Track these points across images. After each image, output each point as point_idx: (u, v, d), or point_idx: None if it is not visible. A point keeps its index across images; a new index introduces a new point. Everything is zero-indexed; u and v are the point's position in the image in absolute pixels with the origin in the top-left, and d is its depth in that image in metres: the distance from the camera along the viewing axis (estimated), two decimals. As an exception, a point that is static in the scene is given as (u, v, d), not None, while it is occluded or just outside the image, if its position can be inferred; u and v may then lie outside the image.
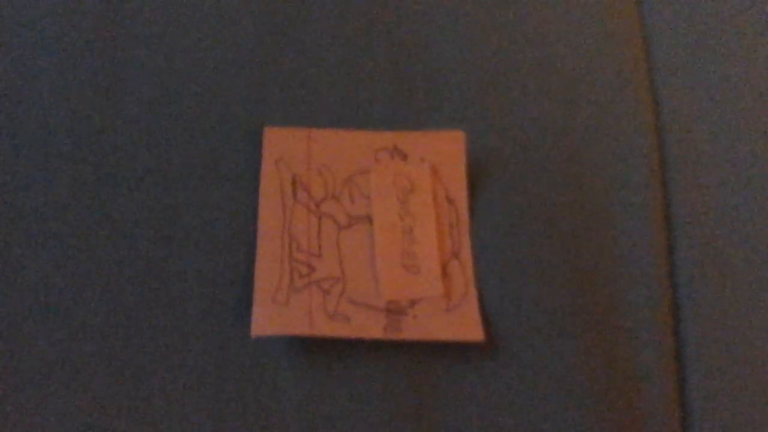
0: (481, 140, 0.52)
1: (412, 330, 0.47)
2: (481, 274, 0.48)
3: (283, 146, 0.51)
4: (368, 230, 0.49)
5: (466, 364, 0.47)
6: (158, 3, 0.54)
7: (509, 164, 0.51)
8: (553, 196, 0.51)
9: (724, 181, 0.53)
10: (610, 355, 0.48)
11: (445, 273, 0.48)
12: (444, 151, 0.51)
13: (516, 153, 0.52)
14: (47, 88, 0.52)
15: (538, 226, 0.50)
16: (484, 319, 0.47)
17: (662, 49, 0.56)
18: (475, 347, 0.47)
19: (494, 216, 0.50)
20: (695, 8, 0.57)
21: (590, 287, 0.49)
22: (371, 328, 0.46)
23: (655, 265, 0.50)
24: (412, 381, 0.47)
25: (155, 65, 0.53)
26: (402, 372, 0.47)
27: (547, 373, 0.47)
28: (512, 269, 0.49)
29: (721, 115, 0.54)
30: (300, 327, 0.46)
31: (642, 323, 0.49)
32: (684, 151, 0.53)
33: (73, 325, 0.47)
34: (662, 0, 0.58)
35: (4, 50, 0.53)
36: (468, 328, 0.47)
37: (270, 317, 0.46)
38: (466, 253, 0.49)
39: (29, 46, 0.53)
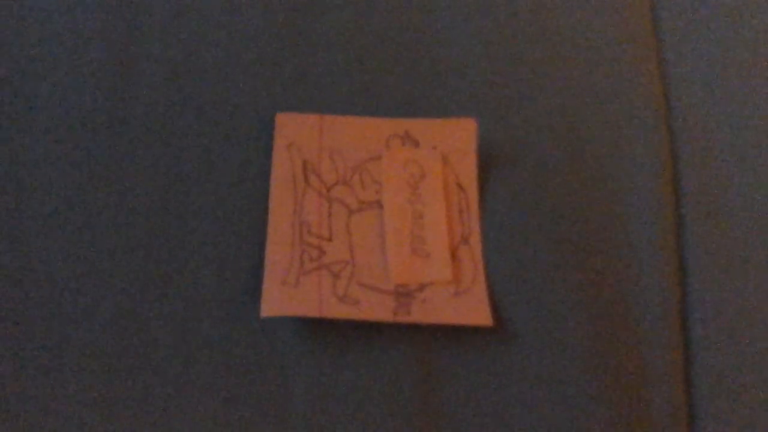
0: (492, 128, 0.52)
1: (421, 314, 0.47)
2: (490, 259, 0.49)
3: (294, 132, 0.51)
4: (378, 215, 0.49)
5: (474, 347, 0.47)
6: None
7: (520, 153, 0.51)
8: (563, 185, 0.51)
9: (737, 175, 0.52)
10: (618, 340, 0.48)
11: (454, 258, 0.48)
12: (455, 139, 0.51)
13: (527, 141, 0.52)
14: (59, 78, 0.52)
15: (548, 214, 0.50)
16: (492, 304, 0.47)
17: (674, 38, 0.56)
18: (483, 331, 0.47)
19: (504, 203, 0.50)
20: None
21: (600, 274, 0.49)
22: (380, 311, 0.47)
23: (665, 254, 0.50)
24: (420, 365, 0.47)
25: (168, 54, 0.53)
26: (410, 356, 0.47)
27: (556, 358, 0.47)
28: (522, 256, 0.49)
29: (733, 106, 0.54)
30: (309, 309, 0.46)
31: (651, 310, 0.49)
32: (696, 143, 0.53)
33: (84, 305, 0.47)
34: None
35: (19, 40, 0.54)
36: (477, 312, 0.47)
37: (280, 299, 0.47)
38: (476, 239, 0.49)
39: (42, 36, 0.53)
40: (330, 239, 0.49)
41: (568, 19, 0.55)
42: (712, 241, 0.51)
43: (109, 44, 0.53)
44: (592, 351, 0.47)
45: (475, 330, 0.47)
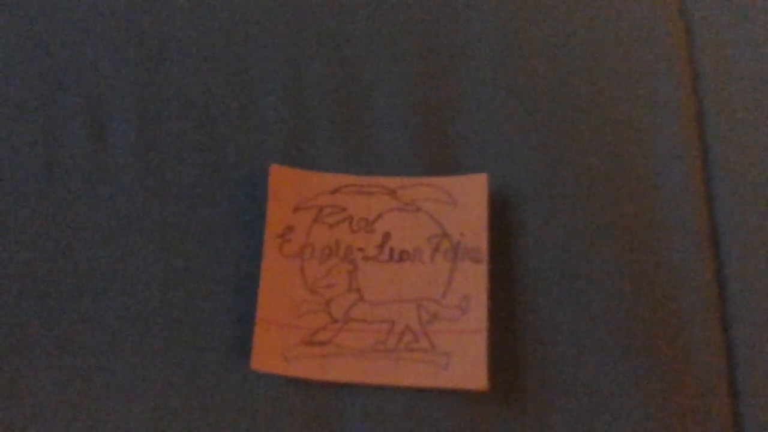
0: (503, 181, 0.50)
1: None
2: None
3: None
4: (384, 267, 0.47)
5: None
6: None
7: (531, 206, 0.49)
8: (580, 242, 0.48)
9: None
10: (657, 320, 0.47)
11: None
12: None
13: (540, 194, 0.50)
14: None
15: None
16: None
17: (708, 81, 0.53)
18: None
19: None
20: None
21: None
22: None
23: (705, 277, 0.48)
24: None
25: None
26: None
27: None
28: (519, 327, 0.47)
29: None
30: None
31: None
32: (727, 158, 0.51)
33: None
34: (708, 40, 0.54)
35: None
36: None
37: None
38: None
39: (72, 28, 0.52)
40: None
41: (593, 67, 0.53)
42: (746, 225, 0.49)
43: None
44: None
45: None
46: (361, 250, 0.48)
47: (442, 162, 0.50)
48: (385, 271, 0.47)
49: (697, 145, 0.51)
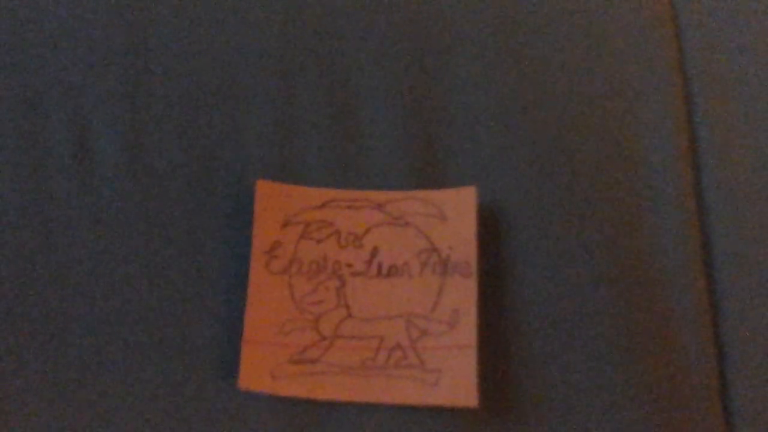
0: (492, 194, 0.49)
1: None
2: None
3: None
4: (372, 283, 0.47)
5: None
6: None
7: (520, 218, 0.49)
8: (570, 255, 0.48)
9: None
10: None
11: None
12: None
13: (528, 206, 0.49)
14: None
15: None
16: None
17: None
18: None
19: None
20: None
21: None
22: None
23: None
24: None
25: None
26: None
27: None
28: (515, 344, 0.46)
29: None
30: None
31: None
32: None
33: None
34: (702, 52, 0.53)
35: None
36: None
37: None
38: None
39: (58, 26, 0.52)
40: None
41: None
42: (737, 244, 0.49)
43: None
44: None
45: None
46: (349, 265, 0.47)
47: (431, 175, 0.49)
48: (373, 286, 0.47)
49: (689, 155, 0.50)
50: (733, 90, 0.51)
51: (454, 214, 0.48)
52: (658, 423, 0.44)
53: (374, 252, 0.48)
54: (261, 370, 0.45)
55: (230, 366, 0.45)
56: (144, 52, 0.51)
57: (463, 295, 0.46)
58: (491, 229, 0.48)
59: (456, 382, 0.44)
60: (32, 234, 0.47)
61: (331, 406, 0.45)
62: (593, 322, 0.46)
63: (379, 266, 0.47)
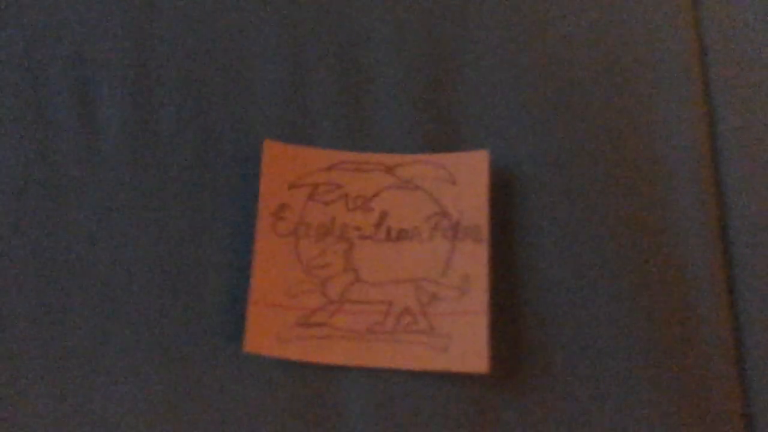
0: (505, 159, 0.48)
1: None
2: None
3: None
4: (383, 246, 0.46)
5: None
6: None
7: (533, 184, 0.48)
8: (584, 222, 0.47)
9: None
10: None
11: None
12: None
13: (540, 174, 0.48)
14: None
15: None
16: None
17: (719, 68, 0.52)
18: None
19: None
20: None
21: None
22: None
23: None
24: None
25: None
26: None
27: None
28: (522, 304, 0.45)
29: None
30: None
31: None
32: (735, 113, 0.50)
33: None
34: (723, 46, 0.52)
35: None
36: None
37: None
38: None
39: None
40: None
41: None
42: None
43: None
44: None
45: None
46: (357, 228, 0.46)
47: (443, 139, 0.48)
48: (382, 250, 0.46)
49: (707, 123, 0.49)
50: (753, 68, 0.51)
51: (465, 178, 0.47)
52: (673, 387, 0.44)
53: (383, 215, 0.47)
54: (267, 333, 0.44)
55: (236, 329, 0.44)
56: (149, 14, 0.50)
57: (474, 260, 0.45)
58: (503, 194, 0.47)
59: (466, 347, 0.43)
60: (38, 200, 0.46)
61: (339, 370, 0.44)
62: (606, 288, 0.45)
63: (388, 230, 0.46)
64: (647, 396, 0.44)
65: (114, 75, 0.48)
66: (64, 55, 0.49)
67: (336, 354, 0.44)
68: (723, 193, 0.48)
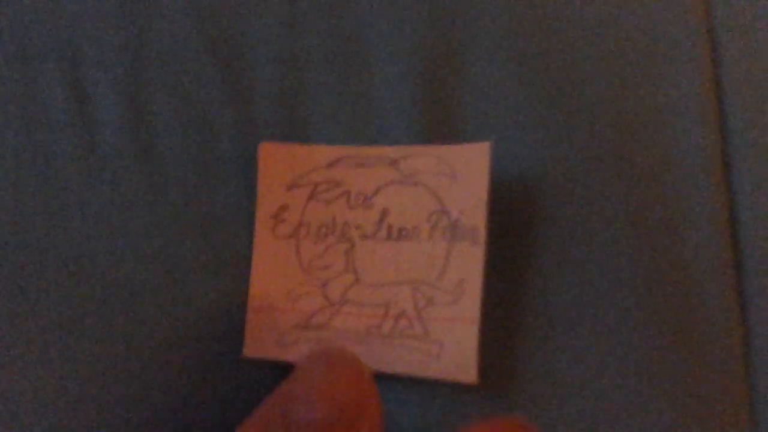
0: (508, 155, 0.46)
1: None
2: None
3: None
4: (383, 246, 0.45)
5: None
6: None
7: (536, 183, 0.45)
8: (587, 225, 0.45)
9: None
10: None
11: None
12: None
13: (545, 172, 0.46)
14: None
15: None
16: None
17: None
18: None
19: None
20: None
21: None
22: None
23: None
24: None
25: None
26: None
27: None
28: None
29: None
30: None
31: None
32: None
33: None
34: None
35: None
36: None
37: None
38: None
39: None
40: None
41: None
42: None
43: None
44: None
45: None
46: (358, 227, 0.46)
47: (445, 134, 0.46)
48: (382, 250, 0.45)
49: (717, 118, 0.45)
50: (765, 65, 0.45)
51: (465, 172, 0.45)
52: (680, 392, 0.42)
53: (384, 213, 0.46)
54: (266, 337, 0.45)
55: (235, 334, 0.45)
56: (147, 11, 0.49)
57: (469, 264, 0.44)
58: (505, 193, 0.45)
59: (457, 356, 0.43)
60: (31, 192, 0.47)
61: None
62: (607, 300, 0.43)
63: (389, 229, 0.46)
64: (649, 411, 0.42)
65: (110, 74, 0.49)
66: (58, 53, 0.49)
67: None
68: (733, 190, 0.44)
